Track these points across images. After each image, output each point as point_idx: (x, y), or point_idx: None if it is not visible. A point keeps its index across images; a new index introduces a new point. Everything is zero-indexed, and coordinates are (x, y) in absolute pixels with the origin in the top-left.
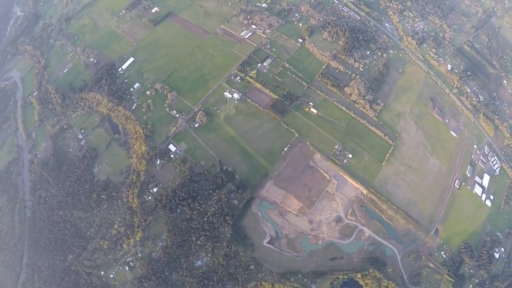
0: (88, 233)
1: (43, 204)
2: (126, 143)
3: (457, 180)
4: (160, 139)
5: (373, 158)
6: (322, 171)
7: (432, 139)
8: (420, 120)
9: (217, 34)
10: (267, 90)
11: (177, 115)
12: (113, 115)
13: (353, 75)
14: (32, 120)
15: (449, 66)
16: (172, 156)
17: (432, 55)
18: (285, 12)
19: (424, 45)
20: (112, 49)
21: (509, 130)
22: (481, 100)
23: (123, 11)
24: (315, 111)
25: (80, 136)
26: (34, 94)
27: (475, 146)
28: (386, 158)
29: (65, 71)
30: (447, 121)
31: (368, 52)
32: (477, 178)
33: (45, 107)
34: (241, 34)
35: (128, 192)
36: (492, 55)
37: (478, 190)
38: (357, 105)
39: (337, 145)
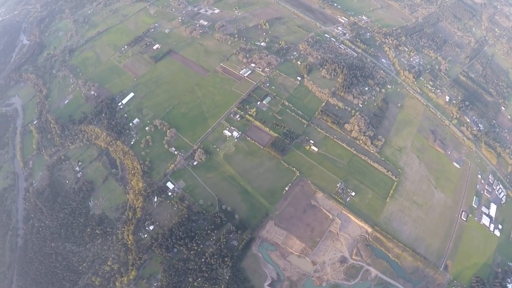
0: (80, 267)
1: (35, 234)
2: (123, 178)
3: (463, 212)
4: (158, 176)
5: (377, 195)
6: (324, 210)
7: (436, 172)
8: (422, 154)
9: (217, 72)
10: (267, 128)
11: (175, 152)
12: (111, 149)
13: (353, 111)
14: (30, 148)
15: (447, 98)
16: (169, 194)
17: (429, 87)
18: (284, 51)
19: (421, 78)
20: (113, 83)
21: (511, 157)
22: (481, 129)
23: (125, 47)
24: (316, 149)
25: (77, 168)
26: (34, 122)
27: (479, 176)
28: (390, 195)
29: (65, 102)
30: (449, 152)
31: (366, 88)
32: (483, 209)
33: (44, 136)
34: (240, 73)
35: (123, 229)
36: (488, 83)
37: (485, 220)
38: (358, 141)
39: (340, 183)
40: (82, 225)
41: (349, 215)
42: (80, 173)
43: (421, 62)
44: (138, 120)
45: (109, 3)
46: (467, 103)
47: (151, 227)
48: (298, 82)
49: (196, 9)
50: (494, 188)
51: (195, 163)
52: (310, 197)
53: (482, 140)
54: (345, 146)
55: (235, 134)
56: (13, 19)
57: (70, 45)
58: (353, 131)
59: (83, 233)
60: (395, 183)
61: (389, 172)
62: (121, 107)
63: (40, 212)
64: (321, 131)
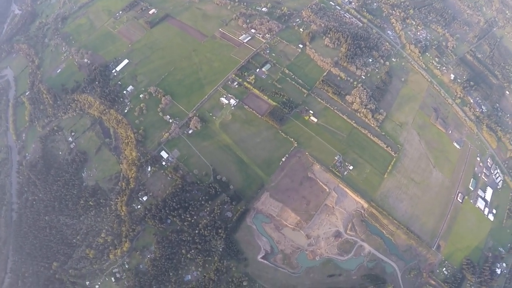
0: (74, 240)
1: (29, 208)
2: (117, 148)
3: (460, 194)
4: (152, 145)
5: (375, 170)
6: (321, 183)
7: (435, 150)
8: (423, 131)
9: (215, 37)
10: (266, 97)
11: (170, 121)
12: (104, 118)
13: (355, 83)
14: (23, 121)
15: (452, 76)
16: (163, 163)
17: (435, 64)
18: (286, 17)
19: (427, 53)
20: (107, 50)
21: (511, 142)
22: (484, 111)
23: (120, 12)
24: (315, 120)
25: (70, 139)
26: (26, 93)
27: (478, 159)
28: (388, 171)
29: (58, 71)
30: (450, 132)
31: (370, 60)
32: (480, 192)
33: (36, 107)
34: (239, 38)
35: (117, 200)
36: (494, 65)
37: (481, 204)
38: (358, 114)
39: (338, 156)
40: (76, 197)
41: (346, 189)
42: (73, 143)
43: (428, 37)
44: (132, 88)
45: None
46: (472, 83)
47: (145, 198)
48: (299, 50)
49: None
50: (492, 172)
51: (190, 131)
52: (307, 169)
53: (484, 123)
54: (345, 118)
55: (232, 102)
56: None
57: (63, 13)
58: (354, 103)
59: (76, 205)
60: (394, 159)
61: (389, 148)
62: (115, 74)
63: (34, 185)
64: (322, 101)
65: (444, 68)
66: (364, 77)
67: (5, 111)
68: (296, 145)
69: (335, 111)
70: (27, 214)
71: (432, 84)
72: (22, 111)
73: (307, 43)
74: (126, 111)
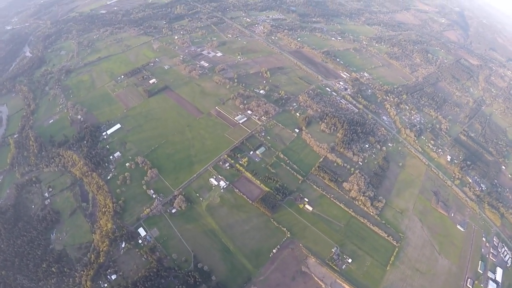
0: None
1: None
2: (93, 215)
3: (469, 279)
4: (130, 219)
5: (376, 262)
6: (316, 279)
7: (439, 236)
8: (425, 217)
9: (211, 115)
10: (258, 181)
11: (154, 196)
12: (85, 180)
13: (352, 169)
14: (3, 162)
15: (449, 157)
16: (140, 241)
17: (431, 147)
18: (283, 101)
19: (422, 137)
20: (102, 111)
21: None
22: (483, 189)
23: (122, 76)
24: (311, 208)
25: (46, 194)
26: (15, 136)
27: (483, 239)
28: (390, 262)
29: (50, 121)
30: (452, 215)
31: (367, 145)
32: (489, 274)
33: (20, 152)
34: (235, 118)
35: (82, 272)
36: (487, 142)
37: (492, 286)
38: (357, 202)
39: (335, 248)
40: (39, 258)
41: (344, 284)
42: (49, 200)
43: (422, 121)
44: (120, 154)
45: (115, 32)
46: (468, 162)
47: (113, 276)
48: (295, 135)
49: (199, 50)
50: (499, 251)
51: (173, 210)
52: (301, 262)
53: (485, 201)
54: (342, 206)
55: (222, 184)
56: (22, 30)
57: (69, 66)
58: (352, 191)
59: (38, 267)
60: (397, 249)
61: (390, 237)
62: (105, 137)
63: None
64: (317, 188)
65: (440, 150)
66: (361, 163)
67: None
68: (289, 235)
69: (332, 199)
70: None
71: (430, 167)
72: (5, 152)
73: (303, 128)
74: (109, 177)
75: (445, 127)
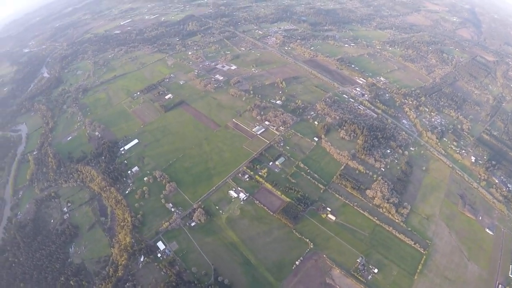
0: None
1: (6, 269)
2: (111, 229)
3: (500, 285)
4: (149, 233)
5: (403, 271)
6: None
7: (468, 241)
8: (452, 221)
9: (228, 127)
10: (279, 192)
11: (172, 209)
12: (104, 195)
13: (375, 176)
14: (23, 178)
15: (473, 158)
16: (159, 255)
17: (454, 148)
18: (300, 110)
19: (445, 138)
20: (119, 127)
21: None
22: (510, 189)
23: (138, 93)
24: (333, 218)
25: (65, 209)
26: (34, 153)
27: None
28: (418, 270)
29: (68, 138)
30: (480, 218)
31: (388, 151)
32: None
33: (39, 168)
34: (253, 130)
35: (100, 286)
36: (511, 140)
37: None
38: (381, 209)
39: (360, 258)
40: (57, 271)
41: None
42: (67, 214)
43: (443, 122)
44: (138, 169)
45: (130, 51)
46: (493, 162)
47: None
48: (314, 143)
49: (213, 64)
50: None
51: (193, 224)
52: (325, 274)
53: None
54: (366, 215)
55: (242, 195)
56: (39, 52)
57: (85, 84)
58: (376, 198)
59: (56, 280)
60: (424, 256)
61: (417, 244)
62: (123, 152)
63: (17, 246)
64: (340, 197)
65: (463, 151)
66: (383, 169)
67: (9, 164)
68: (312, 246)
69: (355, 207)
70: (2, 274)
71: (454, 169)
72: (25, 169)
73: (322, 136)
74: (127, 192)
75: (467, 127)
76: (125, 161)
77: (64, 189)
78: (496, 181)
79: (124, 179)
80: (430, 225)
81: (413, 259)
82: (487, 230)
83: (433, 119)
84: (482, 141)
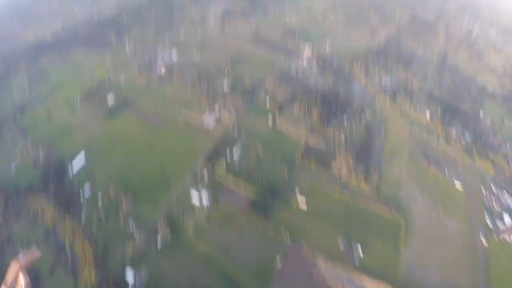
0: None
1: None
2: (74, 268)
3: (481, 234)
4: (114, 263)
5: (388, 244)
6: (332, 281)
7: (441, 197)
8: (422, 181)
9: (177, 122)
10: (242, 185)
11: (135, 230)
12: (59, 228)
13: (337, 146)
14: None
15: (428, 115)
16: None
17: (408, 107)
18: (249, 91)
19: (398, 98)
20: (63, 144)
21: (505, 160)
22: (468, 140)
23: (79, 103)
24: (305, 201)
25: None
26: None
27: (482, 189)
28: (402, 240)
29: (12, 168)
30: (447, 172)
31: (345, 120)
32: (499, 223)
33: None
34: (203, 121)
35: None
36: (460, 92)
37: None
38: (350, 182)
39: (341, 239)
40: None
41: (363, 278)
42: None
43: (393, 83)
44: (89, 187)
45: (64, 56)
46: (448, 115)
47: None
48: (270, 124)
49: (153, 56)
50: (501, 197)
51: (159, 243)
52: (310, 266)
53: (473, 151)
54: (337, 190)
55: (205, 198)
56: None
57: (22, 103)
58: (342, 170)
59: None
60: (404, 223)
61: (393, 212)
62: (71, 172)
63: None
64: (307, 176)
65: (418, 109)
66: (343, 140)
67: None
68: (289, 237)
69: (324, 186)
70: None
71: (412, 128)
72: None
73: (277, 115)
74: (82, 218)
75: (417, 85)
76: (75, 181)
77: (17, 231)
78: (454, 133)
79: (77, 202)
80: (401, 189)
81: (394, 228)
82: (455, 183)
83: (383, 81)
84: (433, 97)
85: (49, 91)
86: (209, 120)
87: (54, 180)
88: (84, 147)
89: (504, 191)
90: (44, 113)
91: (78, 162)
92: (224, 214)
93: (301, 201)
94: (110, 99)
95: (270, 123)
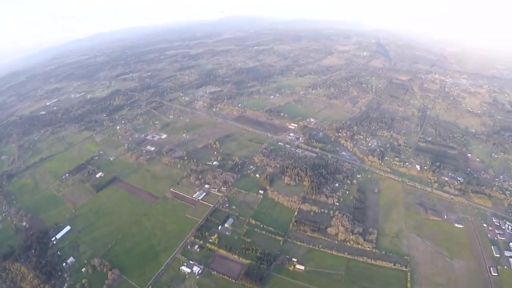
0: None
1: None
2: None
3: (491, 268)
4: None
5: None
6: None
7: (443, 242)
8: (421, 230)
9: (167, 198)
10: (235, 256)
11: None
12: None
13: (331, 212)
14: None
15: (418, 167)
16: None
17: (397, 163)
18: (239, 166)
19: (386, 157)
20: (49, 214)
21: (501, 192)
22: (461, 181)
23: (67, 175)
24: (302, 267)
25: None
26: None
27: (484, 225)
28: None
29: None
30: (445, 217)
31: (337, 184)
32: (506, 253)
33: None
34: (194, 196)
35: None
36: (445, 139)
37: None
38: (348, 243)
39: None
40: None
41: None
42: None
43: (379, 144)
44: (73, 259)
45: (56, 131)
46: (437, 163)
47: None
48: (261, 196)
49: (143, 136)
50: (504, 228)
51: None
52: None
53: (468, 191)
54: (335, 253)
55: (196, 269)
56: None
57: (10, 170)
58: (339, 233)
59: None
60: (408, 273)
61: (397, 264)
62: (55, 242)
63: None
64: (302, 244)
65: (407, 163)
66: (337, 204)
67: None
68: None
69: (321, 249)
70: None
71: (404, 182)
72: None
73: (267, 187)
74: None
75: (403, 141)
76: (58, 252)
77: None
78: (446, 179)
79: (60, 273)
80: (402, 241)
81: (399, 280)
82: (456, 225)
83: (369, 144)
84: (420, 149)
85: (38, 162)
86: (199, 194)
87: (37, 249)
88: (70, 219)
89: (506, 221)
90: (31, 182)
91: (63, 233)
92: (216, 282)
93: (299, 266)
94: (99, 174)
95: (261, 194)
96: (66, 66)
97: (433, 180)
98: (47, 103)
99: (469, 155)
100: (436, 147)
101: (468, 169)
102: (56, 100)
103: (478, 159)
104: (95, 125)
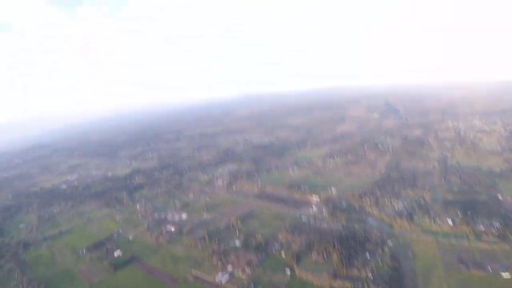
0: None
1: None
2: None
3: None
4: None
5: None
6: None
7: None
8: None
9: (188, 280)
10: None
11: None
12: None
13: (365, 285)
14: None
15: (450, 221)
16: None
17: (428, 222)
18: (262, 245)
19: (415, 217)
20: None
21: None
22: (498, 227)
23: (84, 251)
24: None
25: None
26: None
27: None
28: None
29: None
30: (490, 269)
31: (368, 255)
32: None
33: None
34: (216, 279)
35: None
36: (471, 185)
37: None
38: None
39: None
40: None
41: None
42: None
43: (405, 204)
44: None
45: (76, 206)
46: (469, 213)
47: None
48: (288, 276)
49: (163, 215)
50: None
51: None
52: None
53: (507, 235)
54: None
55: None
56: None
57: (28, 239)
58: None
59: None
60: None
61: None
62: None
63: None
64: None
65: (437, 220)
66: (371, 275)
67: None
68: None
69: None
70: None
71: (439, 241)
72: None
73: (294, 266)
74: None
75: (429, 197)
76: None
77: None
78: (482, 227)
79: None
80: None
81: None
82: (502, 275)
83: (395, 206)
84: (448, 202)
85: (57, 235)
86: (221, 277)
87: None
88: None
89: None
90: (48, 254)
91: None
92: None
93: None
94: (117, 252)
95: (288, 275)
96: (90, 143)
97: (468, 232)
98: (68, 178)
99: (499, 196)
100: (464, 196)
101: (502, 210)
102: (77, 175)
103: (510, 198)
104: (115, 203)
